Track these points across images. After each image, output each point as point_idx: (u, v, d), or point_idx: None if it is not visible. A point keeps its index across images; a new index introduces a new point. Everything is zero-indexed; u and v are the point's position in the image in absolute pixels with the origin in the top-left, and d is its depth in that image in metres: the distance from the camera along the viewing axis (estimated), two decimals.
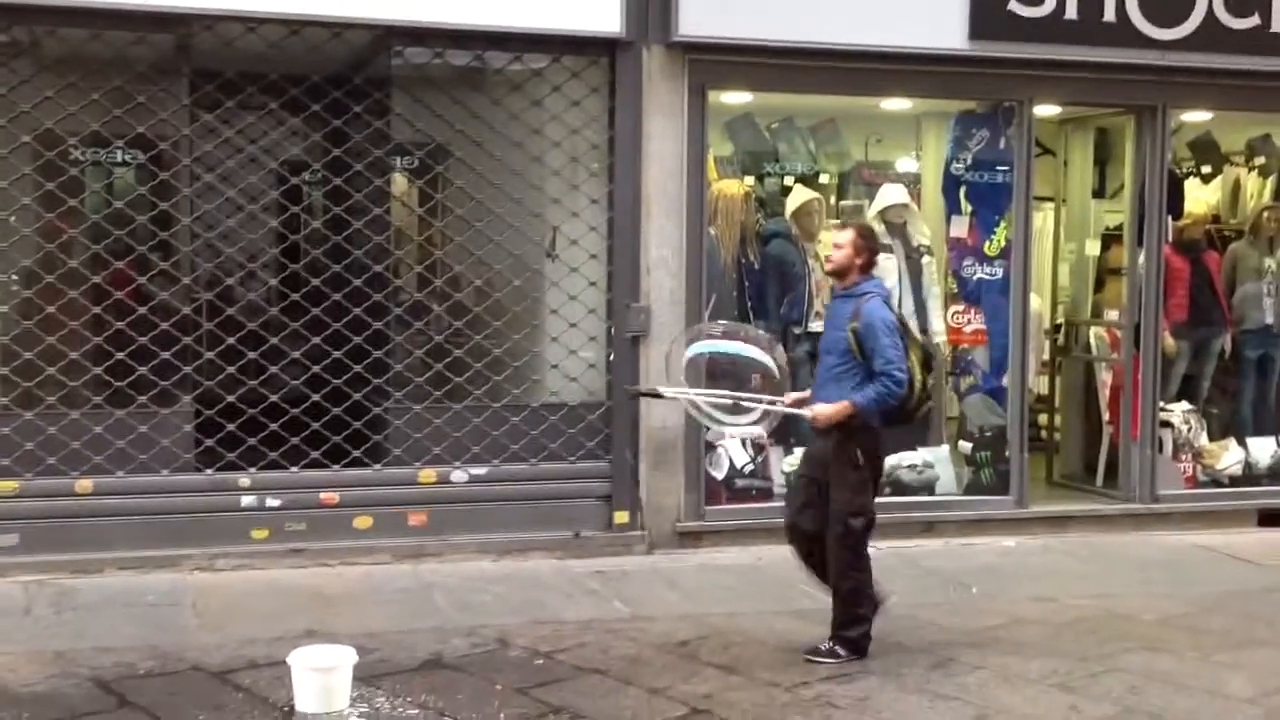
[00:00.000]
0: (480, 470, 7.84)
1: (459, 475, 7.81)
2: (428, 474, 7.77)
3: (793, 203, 8.97)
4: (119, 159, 7.86)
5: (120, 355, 7.36)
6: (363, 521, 7.65)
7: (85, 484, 7.22)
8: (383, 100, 8.04)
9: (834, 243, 6.28)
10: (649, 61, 8.00)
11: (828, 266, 6.38)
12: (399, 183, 8.72)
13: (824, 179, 9.50)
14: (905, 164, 9.89)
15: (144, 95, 7.43)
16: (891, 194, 9.11)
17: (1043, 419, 10.33)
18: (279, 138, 8.40)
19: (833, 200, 9.79)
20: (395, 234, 8.29)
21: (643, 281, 8.03)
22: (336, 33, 7.57)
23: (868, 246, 6.19)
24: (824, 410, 6.00)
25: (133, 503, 7.28)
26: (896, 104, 9.28)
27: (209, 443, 7.51)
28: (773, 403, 6.27)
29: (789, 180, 9.31)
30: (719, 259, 8.65)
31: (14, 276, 7.37)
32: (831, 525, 6.05)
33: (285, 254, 8.63)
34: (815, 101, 9.15)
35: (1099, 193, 10.55)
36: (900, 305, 8.90)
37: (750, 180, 9.22)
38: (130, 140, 7.63)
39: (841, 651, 5.99)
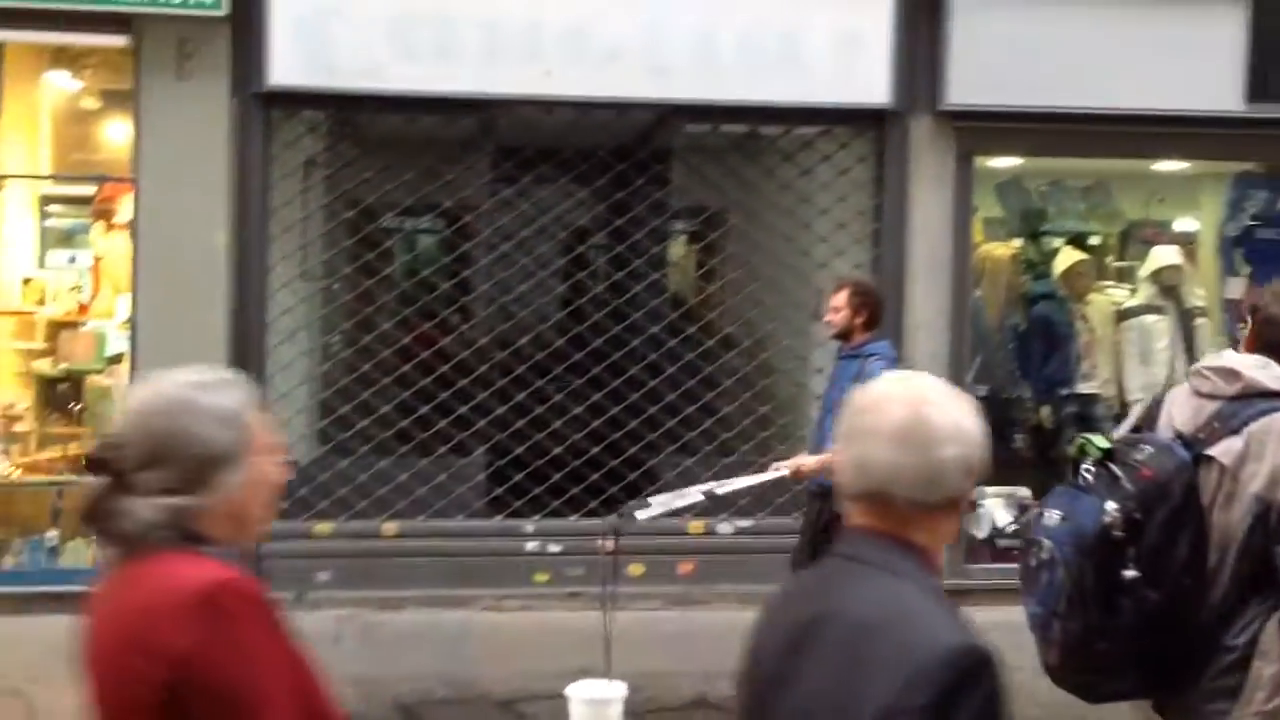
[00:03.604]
0: (746, 523, 8.22)
1: (725, 527, 8.22)
2: (696, 525, 8.20)
3: (1061, 264, 9.05)
4: (427, 230, 8.69)
5: (423, 409, 8.10)
6: (635, 569, 8.14)
7: (390, 527, 7.96)
8: (662, 171, 8.55)
9: (831, 305, 6.06)
10: (916, 130, 8.22)
11: (829, 331, 6.09)
12: (676, 249, 9.25)
13: (1094, 240, 9.53)
14: (1180, 224, 9.80)
15: (450, 172, 8.21)
16: (1164, 255, 9.06)
17: None
18: (568, 208, 9.03)
19: (1109, 260, 9.81)
20: (671, 297, 8.80)
21: (906, 343, 8.23)
22: (622, 112, 8.18)
23: (865, 303, 6.01)
24: (805, 462, 5.82)
25: (431, 545, 7.95)
26: (1170, 165, 9.23)
27: (498, 491, 8.17)
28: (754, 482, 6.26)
29: (1058, 241, 9.39)
30: (984, 320, 8.80)
31: (335, 338, 8.23)
32: None
33: (570, 316, 9.29)
34: (1086, 164, 9.21)
35: None
36: (1173, 368, 8.86)
37: (1018, 242, 9.34)
38: (438, 213, 8.43)
39: None
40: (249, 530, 2.23)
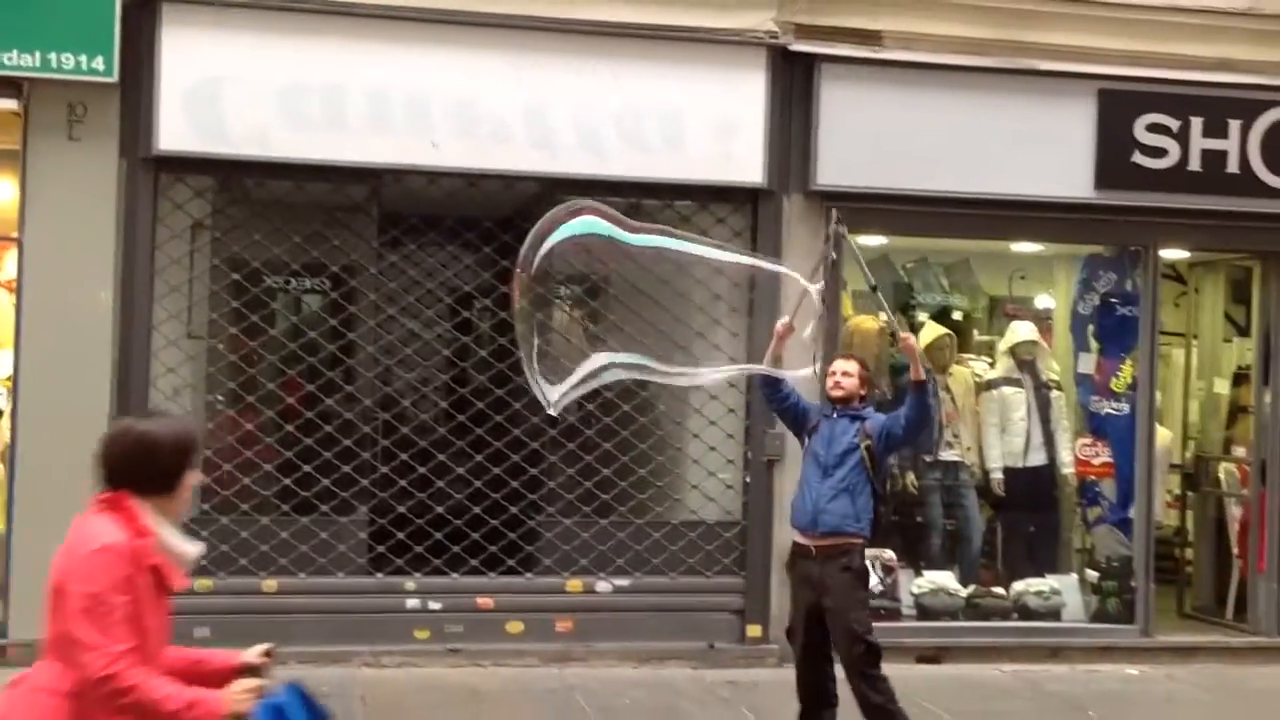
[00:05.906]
0: (623, 582, 8.45)
1: (603, 586, 8.43)
2: (575, 584, 8.41)
3: (924, 339, 9.46)
4: (312, 292, 8.82)
5: (306, 468, 8.19)
6: (514, 626, 8.31)
7: (271, 583, 8.02)
8: None
9: (843, 371, 6.65)
10: (789, 208, 8.65)
11: (837, 393, 6.60)
12: (559, 317, 9.49)
13: (956, 315, 10.00)
14: (1037, 301, 10.32)
15: (337, 238, 8.38)
16: (1021, 331, 9.55)
17: (1176, 552, 10.49)
18: (453, 274, 9.23)
19: (972, 333, 10.27)
20: None
21: None
22: (508, 184, 8.44)
23: (865, 379, 6.72)
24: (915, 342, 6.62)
25: (311, 601, 8.04)
26: (1027, 246, 9.76)
27: (380, 549, 8.29)
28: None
29: (924, 315, 9.83)
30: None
31: (219, 397, 8.31)
32: (851, 646, 6.27)
33: (454, 379, 9.47)
34: (949, 243, 9.70)
35: (1244, 330, 10.68)
36: (1029, 438, 9.34)
37: (884, 316, 9.76)
38: (323, 276, 8.58)
39: None
40: None
